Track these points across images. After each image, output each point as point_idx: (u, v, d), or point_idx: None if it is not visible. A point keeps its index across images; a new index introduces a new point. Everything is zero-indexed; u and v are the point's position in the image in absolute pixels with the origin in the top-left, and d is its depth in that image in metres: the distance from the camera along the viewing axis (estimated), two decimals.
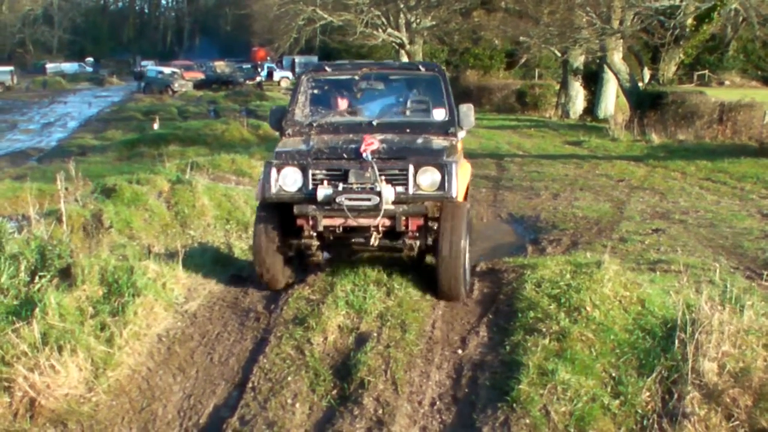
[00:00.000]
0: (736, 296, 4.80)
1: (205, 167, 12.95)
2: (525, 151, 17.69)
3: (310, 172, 5.10)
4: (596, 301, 4.90)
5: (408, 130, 5.61)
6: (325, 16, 32.43)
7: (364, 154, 5.04)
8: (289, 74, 48.45)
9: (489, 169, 14.78)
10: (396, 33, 33.49)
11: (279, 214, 5.35)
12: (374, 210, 4.99)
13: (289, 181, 5.14)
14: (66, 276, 5.08)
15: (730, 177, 13.07)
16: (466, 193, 5.98)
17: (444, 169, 5.03)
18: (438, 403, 4.20)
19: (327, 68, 6.15)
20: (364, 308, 5.04)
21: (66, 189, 7.47)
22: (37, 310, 4.51)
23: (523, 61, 32.64)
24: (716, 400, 3.96)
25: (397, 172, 5.07)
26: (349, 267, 5.66)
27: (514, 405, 3.97)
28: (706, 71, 40.11)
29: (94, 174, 12.02)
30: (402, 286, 5.40)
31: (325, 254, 5.72)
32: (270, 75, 50.27)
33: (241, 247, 8.01)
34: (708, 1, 19.49)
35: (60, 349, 4.27)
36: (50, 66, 57.26)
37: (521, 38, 26.58)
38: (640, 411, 3.98)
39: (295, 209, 5.17)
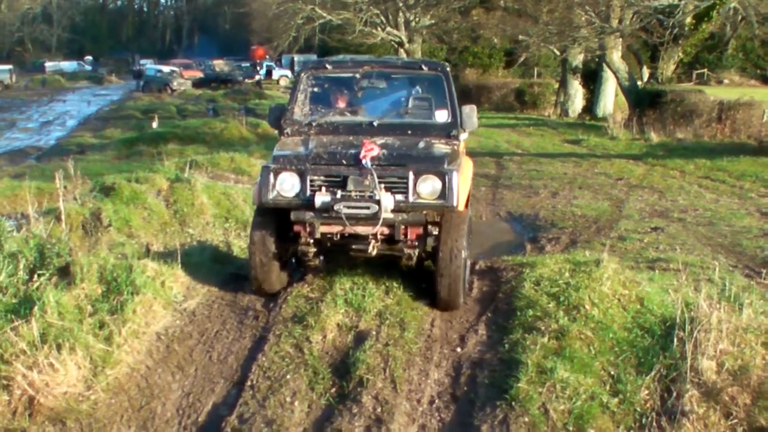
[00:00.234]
0: (735, 294, 4.82)
1: (204, 166, 12.96)
2: (524, 150, 17.70)
3: (309, 178, 4.97)
4: (595, 299, 4.91)
5: (409, 132, 5.51)
6: (324, 14, 32.39)
7: (363, 161, 4.92)
8: (288, 73, 48.43)
9: (488, 167, 14.78)
10: (395, 32, 33.44)
11: (276, 219, 5.24)
12: (373, 218, 4.87)
13: (286, 186, 5.01)
14: (65, 274, 5.08)
15: (728, 175, 13.08)
16: (468, 200, 5.85)
17: (445, 177, 4.90)
18: (437, 401, 4.20)
19: (327, 65, 6.00)
20: (363, 306, 5.03)
21: (65, 187, 7.46)
22: (36, 308, 4.51)
23: (522, 59, 32.60)
24: (715, 399, 3.96)
25: (396, 179, 4.93)
26: (348, 266, 5.64)
27: (513, 403, 3.97)
28: (705, 70, 40.12)
29: (93, 172, 12.02)
30: (401, 284, 5.40)
31: (322, 258, 5.66)
32: (269, 73, 50.26)
33: (240, 246, 8.00)
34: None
35: (59, 347, 4.27)
36: (49, 64, 57.18)
37: (520, 37, 26.57)
38: (638, 409, 3.98)
39: (293, 216, 5.04)
